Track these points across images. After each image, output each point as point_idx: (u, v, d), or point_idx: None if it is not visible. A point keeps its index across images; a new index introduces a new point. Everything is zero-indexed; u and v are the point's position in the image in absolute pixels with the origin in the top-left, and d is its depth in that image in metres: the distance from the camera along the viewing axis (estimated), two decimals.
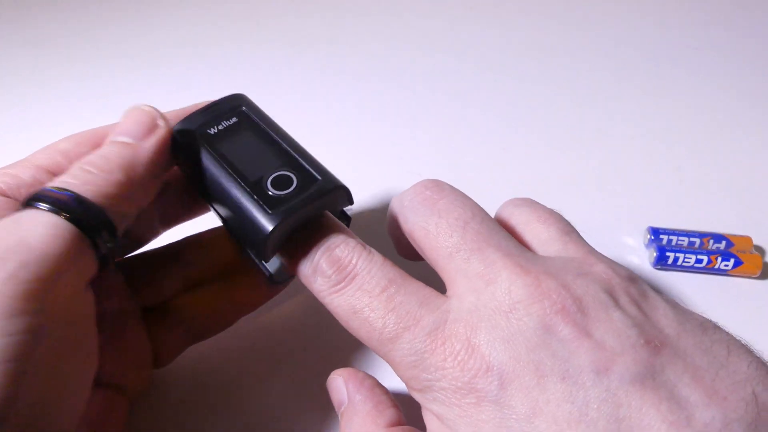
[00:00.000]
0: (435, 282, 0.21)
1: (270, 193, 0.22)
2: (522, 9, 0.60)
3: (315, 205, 0.22)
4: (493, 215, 0.24)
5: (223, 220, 0.25)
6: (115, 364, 0.24)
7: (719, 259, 0.31)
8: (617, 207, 0.36)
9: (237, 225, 0.23)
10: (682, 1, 0.60)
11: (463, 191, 0.23)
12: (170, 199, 0.27)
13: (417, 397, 0.20)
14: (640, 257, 0.33)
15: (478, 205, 0.22)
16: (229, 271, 0.27)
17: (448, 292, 0.21)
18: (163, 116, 0.24)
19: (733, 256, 0.31)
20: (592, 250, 0.22)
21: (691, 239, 0.32)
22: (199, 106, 0.26)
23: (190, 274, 0.27)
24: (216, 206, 0.24)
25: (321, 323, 0.30)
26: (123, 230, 0.21)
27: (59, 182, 0.20)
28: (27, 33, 0.59)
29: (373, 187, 0.25)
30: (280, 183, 0.22)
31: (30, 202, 0.19)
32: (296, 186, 0.22)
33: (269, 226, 0.21)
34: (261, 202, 0.22)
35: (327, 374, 0.27)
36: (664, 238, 0.32)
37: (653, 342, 0.17)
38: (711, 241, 0.32)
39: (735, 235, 0.33)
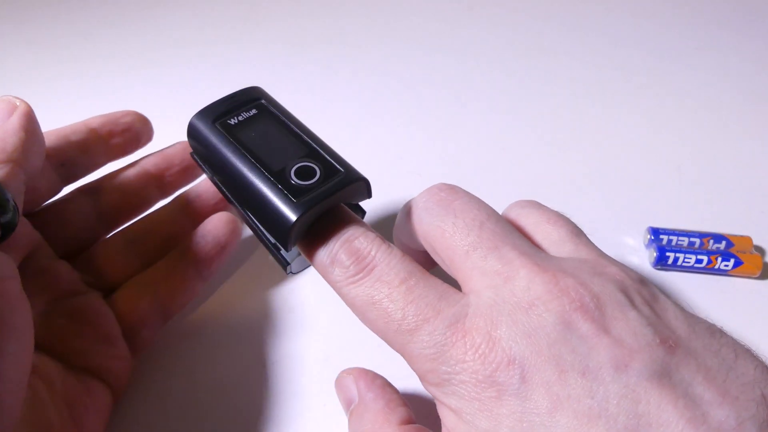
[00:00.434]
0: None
1: (293, 182, 0.22)
2: (521, 9, 0.60)
3: (338, 196, 0.22)
4: None
5: (242, 209, 0.25)
6: (82, 342, 0.24)
7: (719, 259, 0.31)
8: (617, 207, 0.36)
9: (259, 214, 0.23)
10: (682, 0, 0.60)
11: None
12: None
13: (433, 391, 0.20)
14: (640, 257, 0.33)
15: (492, 207, 0.23)
16: (182, 244, 0.29)
17: (464, 289, 0.21)
18: (19, 98, 0.24)
19: (733, 256, 0.31)
20: (602, 253, 0.22)
21: (691, 239, 0.32)
22: None
23: (142, 250, 0.29)
24: (236, 194, 0.24)
25: (321, 321, 0.30)
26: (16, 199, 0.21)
27: None
28: (27, 33, 0.59)
29: (373, 187, 0.25)
30: (304, 173, 0.22)
31: None
32: (319, 176, 0.22)
33: (294, 216, 0.21)
34: (285, 191, 0.22)
35: (324, 372, 0.27)
36: (664, 238, 0.32)
37: (668, 342, 0.18)
38: (711, 241, 0.32)
39: (735, 235, 0.33)
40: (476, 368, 0.18)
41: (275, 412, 0.26)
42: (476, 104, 0.46)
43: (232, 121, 0.24)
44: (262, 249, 0.33)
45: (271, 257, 0.26)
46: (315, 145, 0.24)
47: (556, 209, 0.24)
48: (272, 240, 0.24)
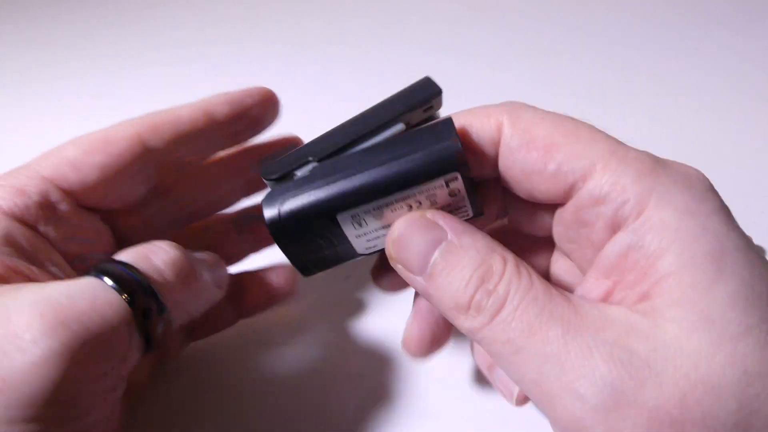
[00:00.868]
0: None
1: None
2: (521, 9, 0.60)
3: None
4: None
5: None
6: None
7: None
8: None
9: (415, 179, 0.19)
10: (682, 1, 0.60)
11: None
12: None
13: None
14: None
15: None
16: (234, 278, 0.26)
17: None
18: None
19: None
20: None
21: None
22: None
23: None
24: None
25: (329, 327, 0.30)
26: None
27: (152, 270, 0.20)
28: (27, 33, 0.59)
29: None
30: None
31: (99, 273, 0.19)
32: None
33: (454, 145, 0.19)
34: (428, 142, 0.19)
35: (334, 373, 0.27)
36: None
37: None
38: None
39: None
40: None
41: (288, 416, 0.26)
42: (475, 103, 0.46)
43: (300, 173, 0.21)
44: None
45: None
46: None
47: None
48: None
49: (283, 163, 0.21)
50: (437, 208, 0.20)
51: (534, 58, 0.52)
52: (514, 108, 0.20)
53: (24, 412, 0.16)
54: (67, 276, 0.21)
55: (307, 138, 0.25)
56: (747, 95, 0.47)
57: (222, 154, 0.27)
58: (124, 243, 0.25)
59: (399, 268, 0.20)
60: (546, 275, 0.24)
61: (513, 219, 0.24)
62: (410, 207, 0.20)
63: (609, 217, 0.18)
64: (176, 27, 0.59)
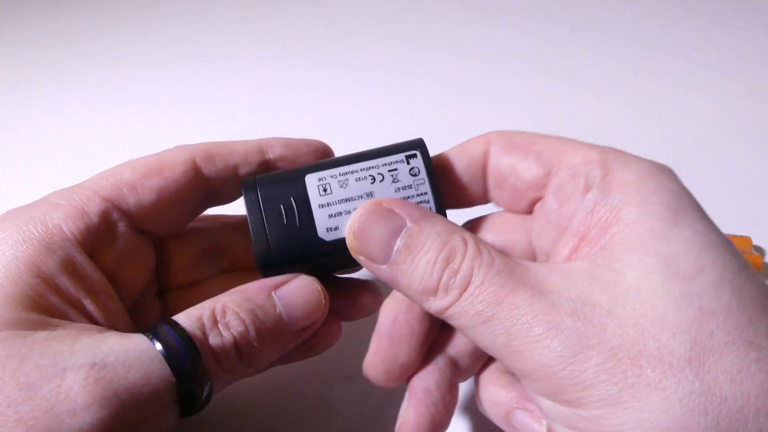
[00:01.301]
0: None
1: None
2: (522, 9, 0.60)
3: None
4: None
5: None
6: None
7: None
8: None
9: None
10: (682, 3, 0.60)
11: None
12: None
13: None
14: None
15: None
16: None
17: None
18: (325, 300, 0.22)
19: None
20: None
21: None
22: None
23: (224, 258, 0.26)
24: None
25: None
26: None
27: (214, 340, 0.19)
28: (27, 33, 0.59)
29: None
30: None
31: (154, 333, 0.18)
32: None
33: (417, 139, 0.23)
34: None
35: (334, 373, 0.26)
36: None
37: None
38: None
39: (735, 236, 0.32)
40: None
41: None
42: (476, 104, 0.46)
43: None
44: None
45: None
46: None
47: None
48: None
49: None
50: (400, 189, 0.22)
51: (534, 58, 0.52)
52: (499, 131, 0.23)
53: None
54: (119, 309, 0.21)
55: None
56: (747, 95, 0.47)
57: None
58: (162, 268, 0.25)
59: (361, 259, 0.20)
60: (530, 246, 0.24)
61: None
62: (373, 179, 0.22)
63: (581, 185, 0.20)
64: (176, 27, 0.60)
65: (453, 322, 0.19)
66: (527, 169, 0.21)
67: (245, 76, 0.51)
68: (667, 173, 0.19)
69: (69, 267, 0.19)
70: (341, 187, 0.22)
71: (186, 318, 0.19)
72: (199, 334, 0.19)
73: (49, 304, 0.19)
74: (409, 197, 0.22)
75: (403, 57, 0.52)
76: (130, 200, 0.21)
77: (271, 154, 0.24)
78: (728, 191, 0.37)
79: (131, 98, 0.49)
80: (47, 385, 0.16)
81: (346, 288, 0.25)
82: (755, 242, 0.33)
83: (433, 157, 0.23)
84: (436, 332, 0.23)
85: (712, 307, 0.16)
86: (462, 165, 0.23)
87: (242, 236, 0.26)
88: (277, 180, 0.22)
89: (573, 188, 0.20)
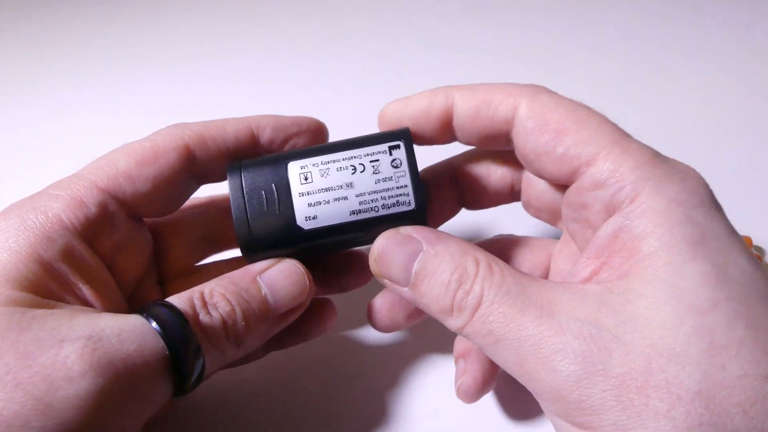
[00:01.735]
0: None
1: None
2: (522, 9, 0.60)
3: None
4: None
5: None
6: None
7: None
8: None
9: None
10: (682, 3, 0.60)
11: None
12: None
13: None
14: None
15: None
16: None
17: None
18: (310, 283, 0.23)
19: None
20: None
21: None
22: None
23: (221, 243, 0.27)
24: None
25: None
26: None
27: (206, 324, 0.20)
28: (27, 33, 0.59)
29: None
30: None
31: (150, 316, 0.19)
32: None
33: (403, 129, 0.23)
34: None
35: (334, 373, 0.27)
36: None
37: None
38: None
39: None
40: None
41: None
42: None
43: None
44: None
45: None
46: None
47: None
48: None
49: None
50: (380, 181, 0.22)
51: (534, 58, 0.52)
52: (534, 90, 0.22)
53: None
54: (116, 296, 0.22)
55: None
56: (747, 95, 0.47)
57: None
58: (160, 257, 0.25)
59: (386, 282, 0.22)
60: (547, 266, 0.25)
61: (526, 198, 0.25)
62: (354, 169, 0.22)
63: (605, 201, 0.19)
64: (176, 26, 0.60)
65: (472, 341, 0.20)
66: (551, 164, 0.21)
67: (245, 75, 0.51)
68: (698, 196, 0.19)
69: (68, 255, 0.20)
70: (322, 176, 0.22)
71: (177, 299, 0.20)
72: (190, 312, 0.20)
73: (48, 289, 0.19)
74: (388, 190, 0.22)
75: (403, 57, 0.52)
76: (127, 190, 0.22)
77: (263, 137, 0.24)
78: (728, 191, 0.37)
79: (131, 98, 0.49)
80: (45, 354, 0.17)
81: (336, 261, 0.26)
82: (755, 242, 0.33)
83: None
84: None
85: (724, 341, 0.16)
86: (480, 125, 0.22)
87: None
88: (261, 165, 0.22)
89: (595, 200, 0.20)
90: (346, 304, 0.30)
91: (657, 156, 0.19)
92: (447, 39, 0.55)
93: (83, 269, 0.20)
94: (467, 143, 0.24)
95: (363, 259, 0.26)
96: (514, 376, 0.19)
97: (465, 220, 0.28)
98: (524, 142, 0.21)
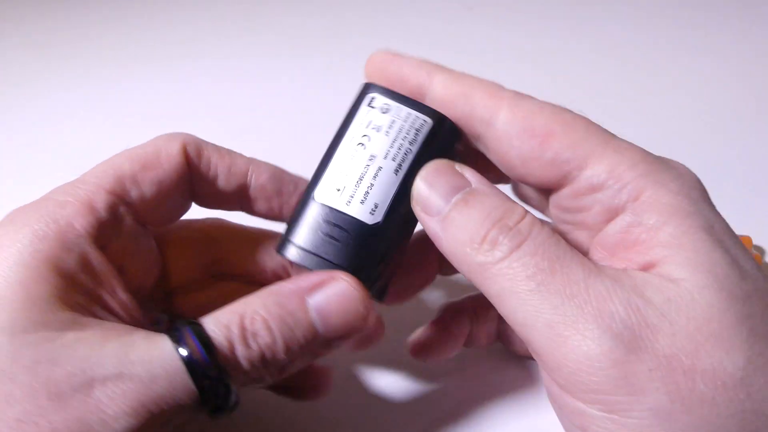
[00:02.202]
0: None
1: None
2: (522, 9, 0.60)
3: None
4: None
5: None
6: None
7: None
8: None
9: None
10: (682, 3, 0.60)
11: None
12: None
13: None
14: None
15: None
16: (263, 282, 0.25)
17: None
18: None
19: None
20: None
21: None
22: None
23: (221, 262, 0.25)
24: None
25: None
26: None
27: (240, 355, 0.18)
28: (27, 33, 0.59)
29: None
30: None
31: (179, 338, 0.18)
32: None
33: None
34: None
35: (333, 373, 0.26)
36: None
37: None
38: None
39: None
40: None
41: None
42: None
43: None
44: None
45: None
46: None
47: None
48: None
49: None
50: (387, 131, 0.20)
51: (534, 58, 0.52)
52: (517, 95, 0.21)
53: None
54: (131, 304, 0.20)
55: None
56: (748, 94, 0.47)
57: None
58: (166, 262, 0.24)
59: (417, 209, 0.20)
60: None
61: None
62: (362, 145, 0.21)
63: (606, 203, 0.19)
64: (177, 26, 0.60)
65: (492, 285, 0.18)
66: (539, 170, 0.20)
67: (245, 75, 0.51)
68: (697, 191, 0.19)
69: (86, 263, 0.19)
70: (346, 176, 0.20)
71: (213, 324, 0.18)
72: (225, 344, 0.18)
73: (74, 302, 0.18)
74: (400, 130, 0.21)
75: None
76: (133, 193, 0.21)
77: (254, 182, 0.23)
78: (728, 191, 0.37)
79: (131, 98, 0.49)
80: (77, 394, 0.16)
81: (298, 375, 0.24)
82: (755, 242, 0.33)
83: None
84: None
85: (761, 330, 0.16)
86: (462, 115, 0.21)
87: (247, 248, 0.25)
88: (298, 222, 0.21)
89: (594, 202, 0.19)
90: None
91: (649, 154, 0.19)
92: (447, 39, 0.55)
93: (102, 277, 0.19)
94: None
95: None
96: (530, 337, 0.17)
97: None
98: (507, 147, 0.20)
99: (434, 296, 0.31)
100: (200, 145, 0.23)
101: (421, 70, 0.22)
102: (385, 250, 0.21)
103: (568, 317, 0.16)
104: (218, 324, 0.18)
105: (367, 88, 0.22)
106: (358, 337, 0.21)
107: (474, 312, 0.26)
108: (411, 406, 0.27)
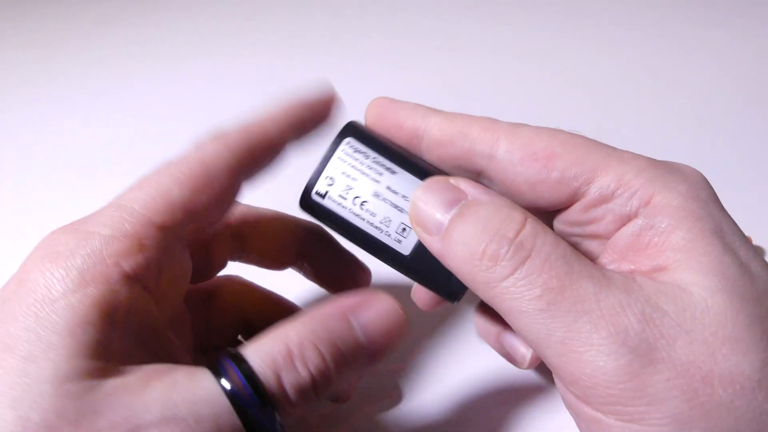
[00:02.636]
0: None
1: None
2: (521, 9, 0.60)
3: None
4: None
5: None
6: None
7: None
8: None
9: None
10: (682, 3, 0.60)
11: None
12: None
13: None
14: None
15: None
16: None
17: None
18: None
19: None
20: None
21: None
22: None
23: (248, 256, 0.25)
24: None
25: None
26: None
27: (288, 387, 0.17)
28: (27, 33, 0.59)
29: None
30: None
31: (222, 373, 0.17)
32: None
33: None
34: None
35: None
36: None
37: None
38: None
39: None
40: None
41: None
42: (475, 103, 0.46)
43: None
44: None
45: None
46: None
47: None
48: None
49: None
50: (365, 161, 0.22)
51: (534, 58, 0.52)
52: (512, 126, 0.21)
53: None
54: (172, 342, 0.20)
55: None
56: (746, 94, 0.47)
57: None
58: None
59: (418, 231, 0.20)
60: None
61: None
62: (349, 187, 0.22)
63: (617, 211, 0.19)
64: (176, 26, 0.60)
65: (500, 304, 0.18)
66: (548, 191, 0.19)
67: (245, 75, 0.51)
68: (706, 192, 0.19)
69: (133, 307, 0.18)
70: (356, 197, 0.22)
71: (256, 356, 0.18)
72: (271, 375, 0.17)
73: (118, 348, 0.18)
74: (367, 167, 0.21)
75: (403, 57, 0.52)
76: (186, 224, 0.20)
77: (298, 122, 0.23)
78: (728, 191, 0.37)
79: (131, 97, 0.49)
80: None
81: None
82: (755, 242, 0.33)
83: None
84: None
85: None
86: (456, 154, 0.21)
87: (264, 230, 0.26)
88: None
89: (605, 212, 0.19)
90: None
91: (653, 160, 0.20)
92: (447, 39, 0.55)
93: (148, 320, 0.19)
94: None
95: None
96: (546, 353, 0.17)
97: None
98: (513, 175, 0.20)
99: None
100: (253, 148, 0.21)
101: (417, 114, 0.22)
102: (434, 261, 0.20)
103: (582, 334, 0.16)
104: (260, 353, 0.18)
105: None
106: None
107: None
108: (421, 409, 0.27)
